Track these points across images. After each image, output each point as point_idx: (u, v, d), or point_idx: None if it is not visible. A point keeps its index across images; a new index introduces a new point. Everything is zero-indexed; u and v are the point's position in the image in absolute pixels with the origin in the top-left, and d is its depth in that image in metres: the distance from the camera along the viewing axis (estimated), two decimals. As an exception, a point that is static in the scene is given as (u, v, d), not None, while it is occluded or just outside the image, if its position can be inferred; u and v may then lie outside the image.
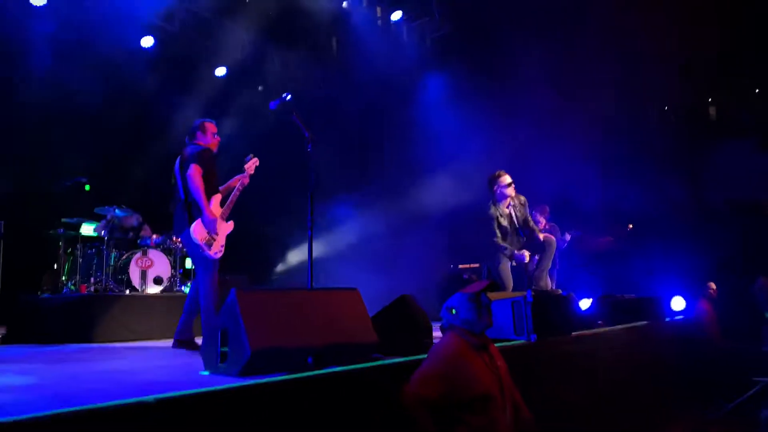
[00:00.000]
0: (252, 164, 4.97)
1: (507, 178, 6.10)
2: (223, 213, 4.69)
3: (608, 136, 9.50)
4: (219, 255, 4.56)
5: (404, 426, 2.52)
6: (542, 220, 8.10)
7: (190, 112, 8.45)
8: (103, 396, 2.14)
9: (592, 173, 9.32)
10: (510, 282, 6.00)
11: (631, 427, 5.11)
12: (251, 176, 4.95)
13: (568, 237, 8.04)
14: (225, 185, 4.94)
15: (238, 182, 4.85)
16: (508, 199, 6.11)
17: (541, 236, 6.13)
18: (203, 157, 4.57)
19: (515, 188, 6.15)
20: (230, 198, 4.79)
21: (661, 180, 10.19)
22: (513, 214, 6.13)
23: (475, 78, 9.78)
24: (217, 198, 4.70)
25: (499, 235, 5.99)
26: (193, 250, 4.57)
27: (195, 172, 4.46)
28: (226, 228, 4.70)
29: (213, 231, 4.50)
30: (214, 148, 4.85)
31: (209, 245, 4.49)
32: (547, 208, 8.24)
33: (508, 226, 6.07)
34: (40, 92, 7.56)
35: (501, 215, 6.07)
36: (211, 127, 4.85)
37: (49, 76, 7.62)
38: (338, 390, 2.53)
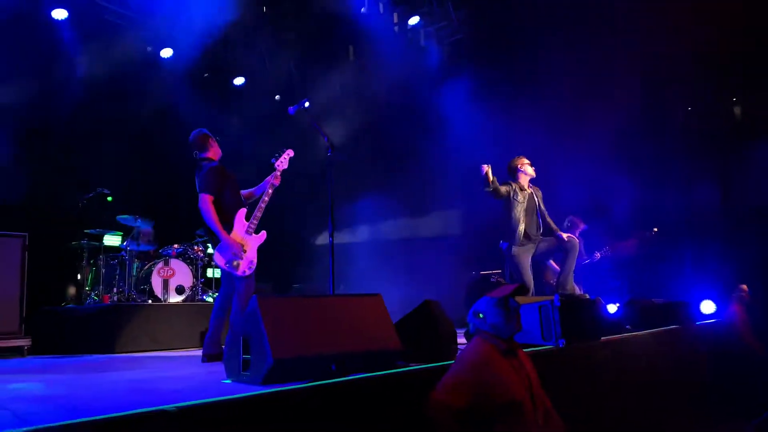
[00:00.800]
0: (284, 159, 4.83)
1: (526, 159, 6.17)
2: (249, 226, 4.57)
3: (632, 138, 9.35)
4: (248, 273, 4.47)
5: (431, 435, 2.45)
6: (576, 233, 8.01)
7: (209, 121, 8.51)
8: (124, 405, 2.10)
9: (616, 176, 9.17)
10: (529, 273, 5.87)
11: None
12: (285, 171, 4.81)
13: (597, 256, 7.94)
14: (251, 190, 4.84)
15: (269, 185, 4.70)
16: (528, 178, 6.12)
17: (565, 236, 6.00)
18: (213, 181, 4.49)
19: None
20: (257, 207, 4.64)
21: (687, 181, 9.99)
22: (534, 194, 6.11)
23: (495, 82, 9.71)
24: (241, 213, 4.60)
25: (502, 190, 5.88)
26: (222, 270, 4.56)
27: (205, 202, 4.43)
28: (255, 241, 4.58)
29: (236, 255, 4.41)
30: (221, 153, 4.76)
31: (235, 267, 4.43)
32: (581, 221, 8.10)
33: (525, 204, 5.97)
34: (59, 105, 7.67)
35: (520, 189, 6.02)
36: (210, 137, 4.75)
37: (71, 89, 7.73)
38: (362, 398, 2.46)
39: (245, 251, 4.47)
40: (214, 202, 4.48)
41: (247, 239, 4.52)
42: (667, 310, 5.97)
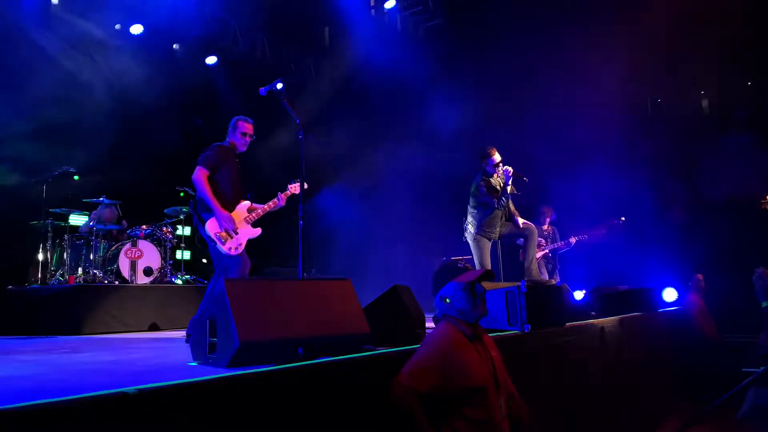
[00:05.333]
0: (296, 186, 4.91)
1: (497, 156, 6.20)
2: (248, 217, 4.71)
3: (601, 128, 9.48)
4: (234, 252, 4.53)
5: (396, 418, 2.48)
6: (546, 220, 8.18)
7: (178, 102, 8.37)
8: (86, 387, 2.08)
9: (586, 166, 9.31)
10: (488, 263, 6.00)
11: (625, 418, 5.11)
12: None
13: (573, 241, 8.10)
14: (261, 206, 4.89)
15: (279, 197, 4.90)
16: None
17: (521, 222, 6.14)
18: (211, 157, 4.58)
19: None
20: (261, 207, 4.81)
21: (654, 172, 10.19)
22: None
23: (469, 70, 9.72)
24: (245, 204, 4.75)
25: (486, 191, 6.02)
26: (210, 246, 4.59)
27: (198, 175, 4.52)
28: (249, 232, 4.69)
29: (229, 228, 4.49)
30: (241, 147, 4.83)
31: (223, 240, 4.49)
32: (552, 210, 8.29)
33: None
34: (25, 81, 7.44)
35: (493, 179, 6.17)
36: (242, 126, 4.82)
37: (32, 63, 7.51)
38: (328, 381, 2.47)
39: (237, 232, 4.56)
40: (209, 179, 4.55)
41: (242, 225, 4.64)
42: (631, 297, 6.12)
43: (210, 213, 4.51)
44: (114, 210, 7.31)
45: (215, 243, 4.50)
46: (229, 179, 4.68)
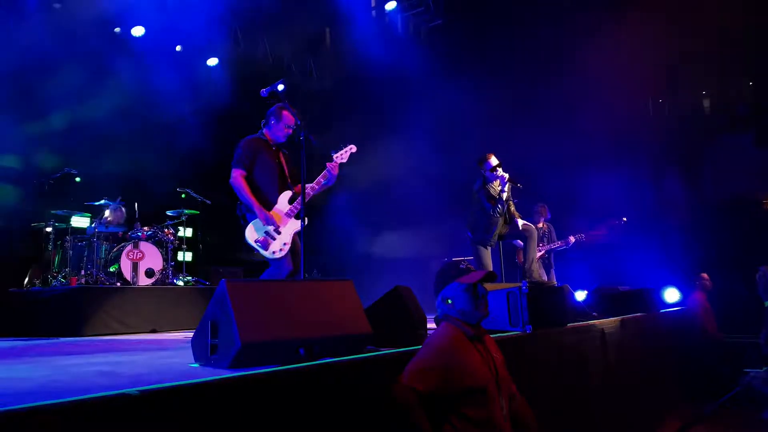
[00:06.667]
0: (344, 153, 4.59)
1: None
2: (291, 209, 4.44)
3: (603, 129, 9.48)
4: (279, 254, 4.34)
5: (397, 418, 2.48)
6: (541, 219, 8.17)
7: (179, 103, 8.37)
8: (88, 389, 2.08)
9: (587, 166, 9.31)
10: (489, 266, 6.03)
11: (625, 418, 5.11)
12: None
13: (572, 240, 8.08)
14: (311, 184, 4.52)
15: (322, 175, 4.51)
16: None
17: (521, 224, 6.15)
18: (243, 156, 4.41)
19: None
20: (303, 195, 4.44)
21: (656, 172, 10.19)
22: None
23: (470, 70, 9.73)
24: (286, 194, 4.49)
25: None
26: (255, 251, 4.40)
27: (235, 178, 4.38)
28: (293, 226, 4.42)
29: (269, 233, 4.30)
30: (282, 138, 4.62)
31: (265, 245, 4.31)
32: (546, 209, 8.28)
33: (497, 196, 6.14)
34: (27, 81, 7.46)
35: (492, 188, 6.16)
36: (287, 117, 4.58)
37: (38, 65, 7.52)
38: (330, 382, 2.47)
39: (279, 232, 4.36)
40: (247, 178, 4.39)
41: (285, 221, 4.41)
42: (633, 298, 6.12)
43: (254, 214, 4.34)
44: (123, 212, 7.31)
45: (256, 251, 4.33)
46: (267, 173, 4.49)
